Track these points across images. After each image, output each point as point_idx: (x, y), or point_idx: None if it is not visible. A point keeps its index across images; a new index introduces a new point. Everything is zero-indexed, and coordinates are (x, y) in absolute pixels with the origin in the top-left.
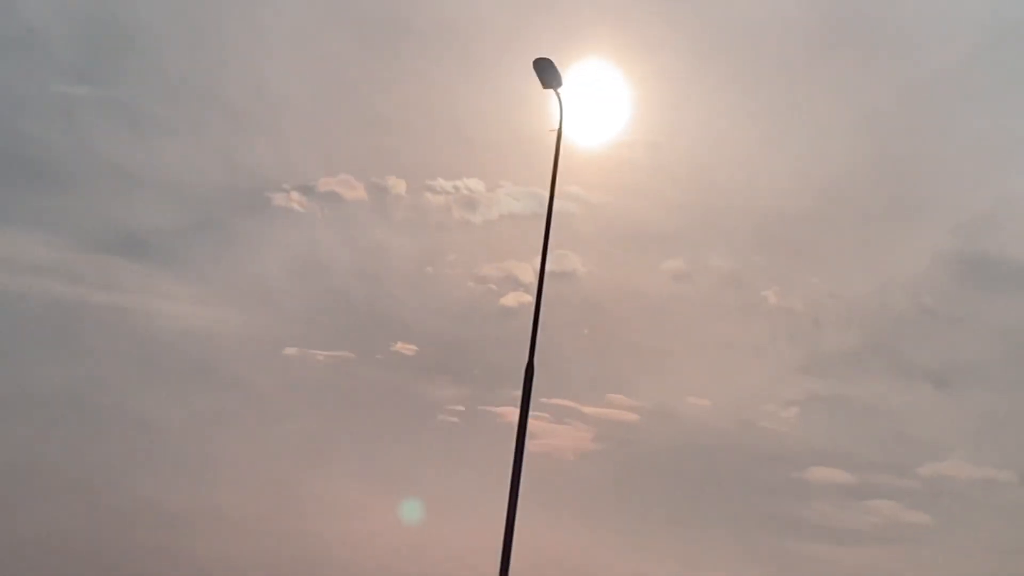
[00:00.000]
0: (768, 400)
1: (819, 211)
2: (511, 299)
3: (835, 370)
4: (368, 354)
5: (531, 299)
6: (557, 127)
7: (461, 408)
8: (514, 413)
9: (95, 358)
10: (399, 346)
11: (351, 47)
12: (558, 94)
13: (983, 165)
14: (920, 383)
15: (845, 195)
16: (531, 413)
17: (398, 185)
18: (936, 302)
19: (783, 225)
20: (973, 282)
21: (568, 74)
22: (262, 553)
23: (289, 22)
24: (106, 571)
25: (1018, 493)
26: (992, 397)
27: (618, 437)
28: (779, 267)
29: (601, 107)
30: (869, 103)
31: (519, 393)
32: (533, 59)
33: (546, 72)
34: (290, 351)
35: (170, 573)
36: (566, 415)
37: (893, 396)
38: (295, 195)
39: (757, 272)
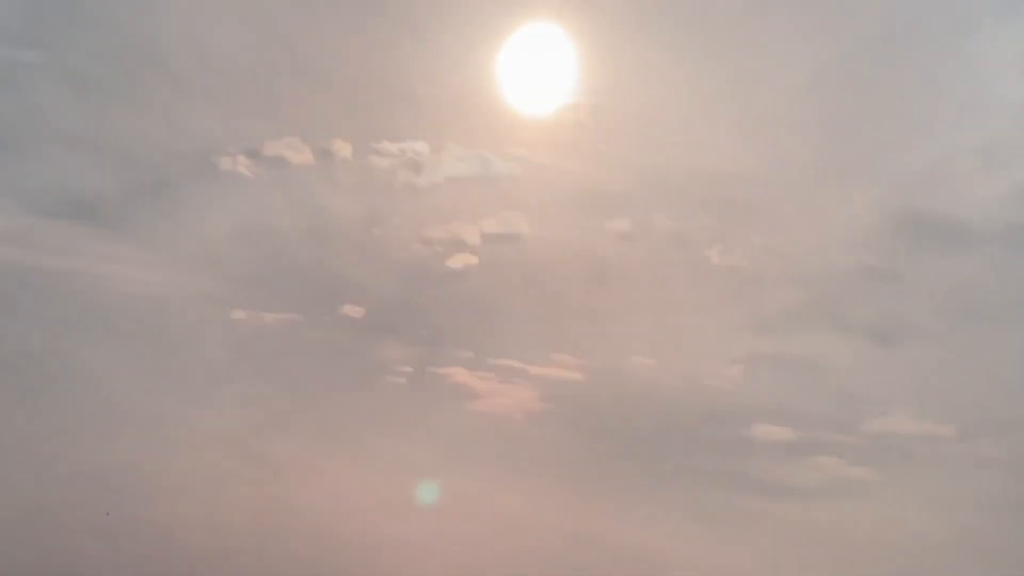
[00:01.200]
0: (713, 358)
1: (762, 171)
2: (457, 261)
3: (778, 328)
4: (316, 316)
5: (477, 260)
6: None
7: (409, 369)
8: (461, 373)
9: (44, 322)
10: (347, 308)
11: (295, 10)
12: None
13: (924, 122)
14: (862, 340)
15: (787, 155)
16: (478, 373)
17: (344, 148)
18: (877, 260)
19: (726, 185)
20: (913, 239)
21: (512, 37)
22: (213, 514)
23: None
24: (56, 534)
25: (959, 447)
26: (932, 353)
27: (565, 397)
28: (723, 226)
29: (545, 70)
30: (811, 62)
31: (466, 354)
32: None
33: None
34: (238, 314)
35: (120, 535)
36: (513, 375)
37: (835, 353)
38: (241, 159)
39: (701, 231)
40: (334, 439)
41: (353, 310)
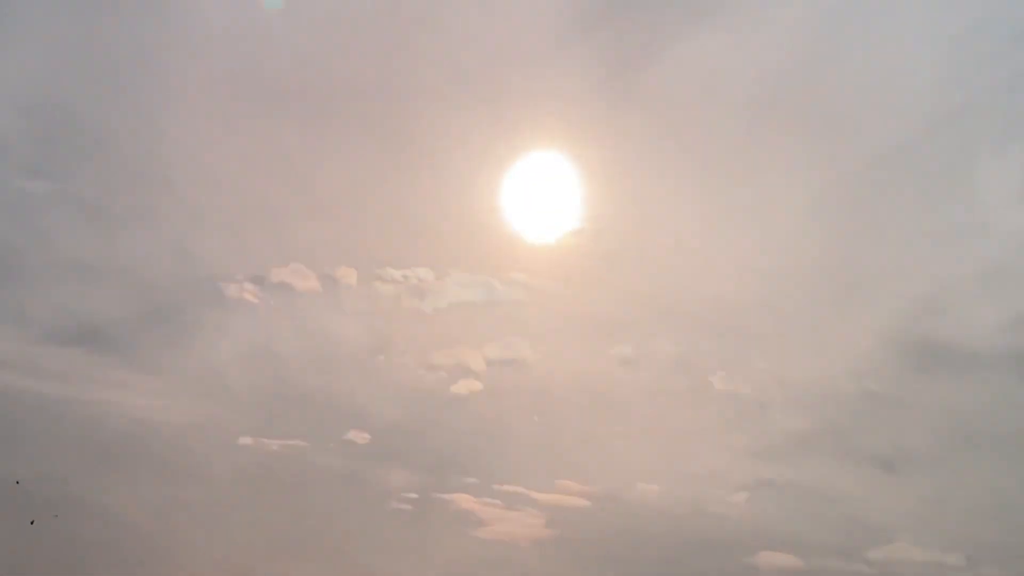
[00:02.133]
0: (717, 485)
1: (764, 295)
2: (462, 386)
3: (783, 455)
4: (321, 442)
5: (481, 386)
6: None
7: (414, 495)
8: (467, 500)
9: (52, 450)
10: (352, 434)
11: (302, 139)
12: None
13: (926, 249)
14: (867, 467)
15: (790, 279)
16: (483, 500)
17: (349, 275)
18: (881, 386)
19: (729, 310)
20: (916, 366)
21: (515, 166)
22: None
23: (241, 115)
24: None
25: (965, 575)
26: (937, 480)
27: (570, 523)
28: (726, 352)
29: (548, 198)
30: (814, 187)
31: (471, 480)
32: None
33: None
34: (244, 440)
35: None
36: (518, 501)
37: (841, 480)
38: (248, 285)
39: (704, 357)
40: (342, 566)
41: (359, 436)
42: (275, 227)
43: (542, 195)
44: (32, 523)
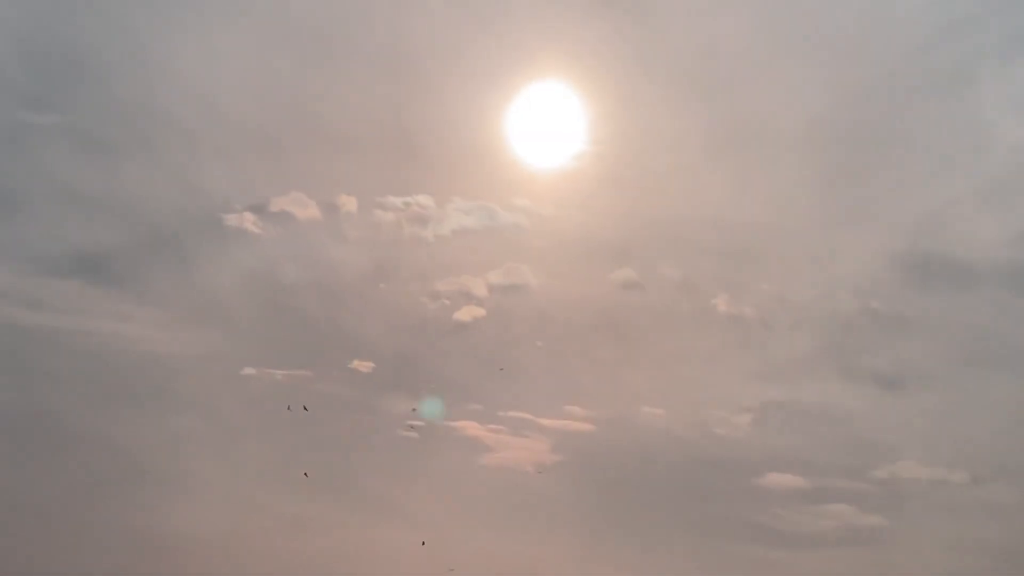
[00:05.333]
0: (722, 407)
1: (766, 217)
2: (465, 313)
3: (787, 375)
4: (326, 372)
5: (485, 313)
6: None
7: (420, 423)
8: (472, 427)
9: (57, 382)
10: (356, 363)
11: (300, 68)
12: None
13: (927, 166)
14: (871, 386)
15: (792, 201)
16: (488, 426)
17: (349, 203)
18: (884, 305)
19: (731, 232)
20: (919, 283)
21: (516, 92)
22: (230, 570)
23: (239, 45)
24: None
25: (971, 492)
26: (942, 398)
27: (575, 448)
28: (729, 274)
29: (549, 123)
30: (814, 110)
31: (477, 407)
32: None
33: None
34: (249, 371)
35: None
36: (524, 427)
37: (845, 400)
38: (248, 215)
39: (707, 279)
40: (349, 494)
41: (363, 365)
42: (275, 156)
43: (543, 120)
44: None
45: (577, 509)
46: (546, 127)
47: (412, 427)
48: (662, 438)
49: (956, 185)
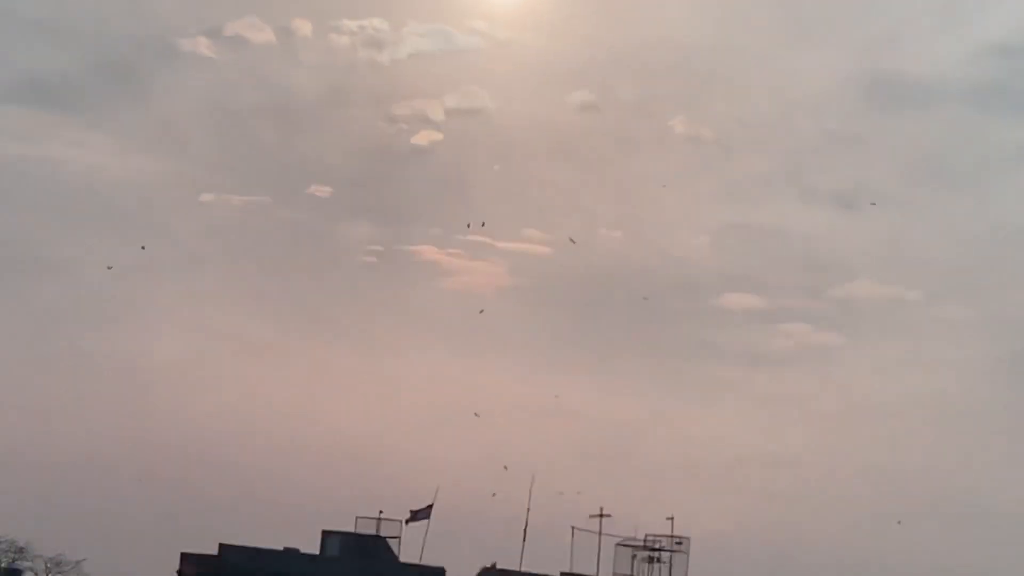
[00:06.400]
0: (680, 229)
1: (722, 36)
2: (423, 137)
3: (744, 197)
4: (284, 197)
5: (442, 137)
6: None
7: (379, 248)
8: (431, 251)
9: (10, 209)
10: (314, 188)
11: None
12: None
13: None
14: (828, 206)
15: (748, 21)
16: (446, 250)
17: (303, 27)
18: (840, 124)
19: (687, 52)
20: (876, 102)
21: None
22: (193, 403)
23: None
24: (38, 421)
25: (926, 310)
26: (898, 216)
27: (533, 271)
28: (686, 95)
29: None
30: None
31: (436, 231)
32: None
33: None
34: (206, 197)
35: (105, 424)
36: (481, 251)
37: (802, 220)
38: (202, 40)
39: (664, 101)
40: (308, 319)
41: (320, 190)
42: None
43: None
44: None
45: (538, 331)
46: None
47: (370, 251)
48: (620, 260)
49: (913, 1)
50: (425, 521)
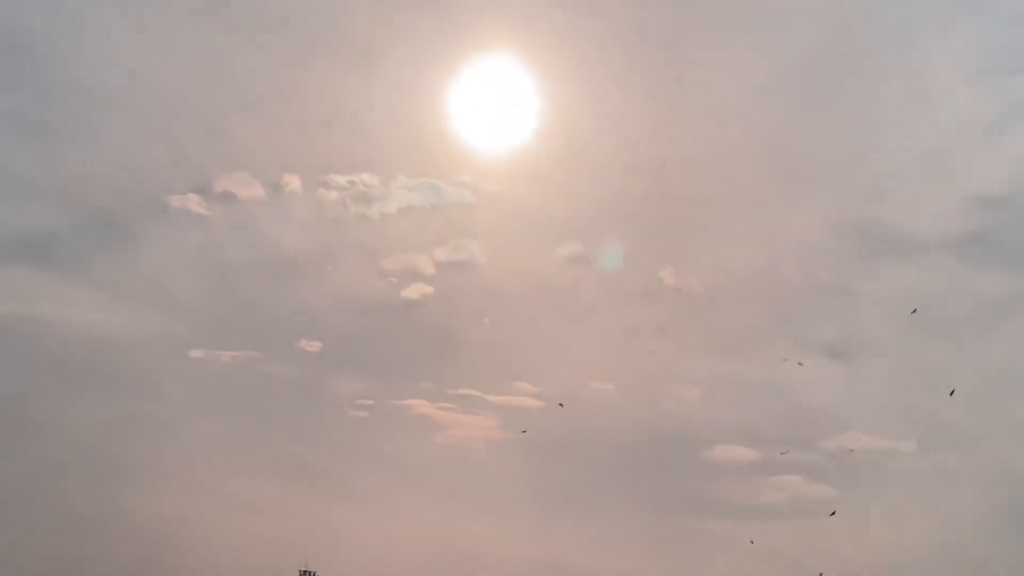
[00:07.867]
0: (670, 381)
1: (710, 189)
2: (413, 291)
3: (735, 348)
4: (274, 352)
5: (432, 290)
6: None
7: (370, 402)
8: (423, 405)
9: (2, 369)
10: (304, 343)
11: (241, 47)
12: None
13: (869, 136)
14: (818, 356)
15: (735, 172)
16: (438, 404)
17: (293, 182)
18: (829, 274)
19: (676, 205)
20: (863, 252)
21: (459, 68)
22: (181, 557)
23: (177, 23)
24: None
25: (919, 461)
26: (888, 367)
27: (525, 424)
28: (673, 247)
29: (494, 99)
30: (753, 81)
31: (427, 385)
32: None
33: None
34: (196, 353)
35: None
36: (473, 405)
37: (793, 371)
38: (192, 196)
39: (652, 253)
40: (300, 474)
41: (311, 344)
42: (216, 136)
43: (487, 97)
44: None
45: (529, 485)
46: (490, 103)
47: (362, 406)
48: (611, 413)
49: (899, 155)
50: None
